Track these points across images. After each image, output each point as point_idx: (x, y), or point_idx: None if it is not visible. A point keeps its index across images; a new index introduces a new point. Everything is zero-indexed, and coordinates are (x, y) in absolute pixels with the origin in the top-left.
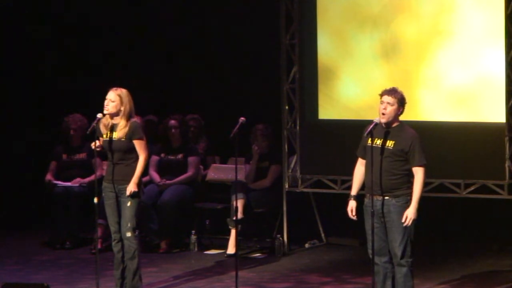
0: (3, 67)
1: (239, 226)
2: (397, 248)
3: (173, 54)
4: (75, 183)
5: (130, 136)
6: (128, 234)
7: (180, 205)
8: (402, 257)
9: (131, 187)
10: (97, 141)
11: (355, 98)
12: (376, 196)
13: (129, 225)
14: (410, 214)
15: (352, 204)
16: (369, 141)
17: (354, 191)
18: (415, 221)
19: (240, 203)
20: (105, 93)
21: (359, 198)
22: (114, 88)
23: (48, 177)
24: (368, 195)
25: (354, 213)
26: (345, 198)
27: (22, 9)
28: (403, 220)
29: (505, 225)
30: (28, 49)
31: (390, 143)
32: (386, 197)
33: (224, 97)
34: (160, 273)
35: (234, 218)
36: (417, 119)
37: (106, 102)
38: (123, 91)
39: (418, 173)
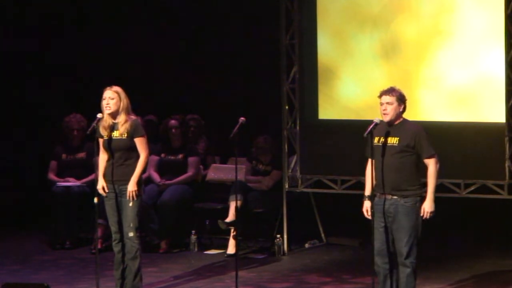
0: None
1: (232, 228)
2: (403, 248)
3: (173, 54)
4: (89, 179)
5: (131, 133)
6: (131, 234)
7: (180, 205)
8: (407, 257)
9: (131, 187)
10: (104, 186)
11: (355, 98)
12: (380, 195)
13: (131, 225)
14: (427, 207)
15: (367, 205)
16: (376, 140)
17: (367, 191)
18: (433, 214)
19: (234, 205)
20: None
21: (372, 198)
22: (109, 87)
23: (52, 177)
24: (377, 194)
25: (369, 212)
26: (345, 198)
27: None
28: (421, 214)
29: (505, 225)
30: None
31: (394, 140)
32: (394, 197)
33: (224, 97)
34: (160, 273)
35: (226, 220)
36: (417, 119)
37: (105, 102)
38: (118, 88)
39: (430, 164)
